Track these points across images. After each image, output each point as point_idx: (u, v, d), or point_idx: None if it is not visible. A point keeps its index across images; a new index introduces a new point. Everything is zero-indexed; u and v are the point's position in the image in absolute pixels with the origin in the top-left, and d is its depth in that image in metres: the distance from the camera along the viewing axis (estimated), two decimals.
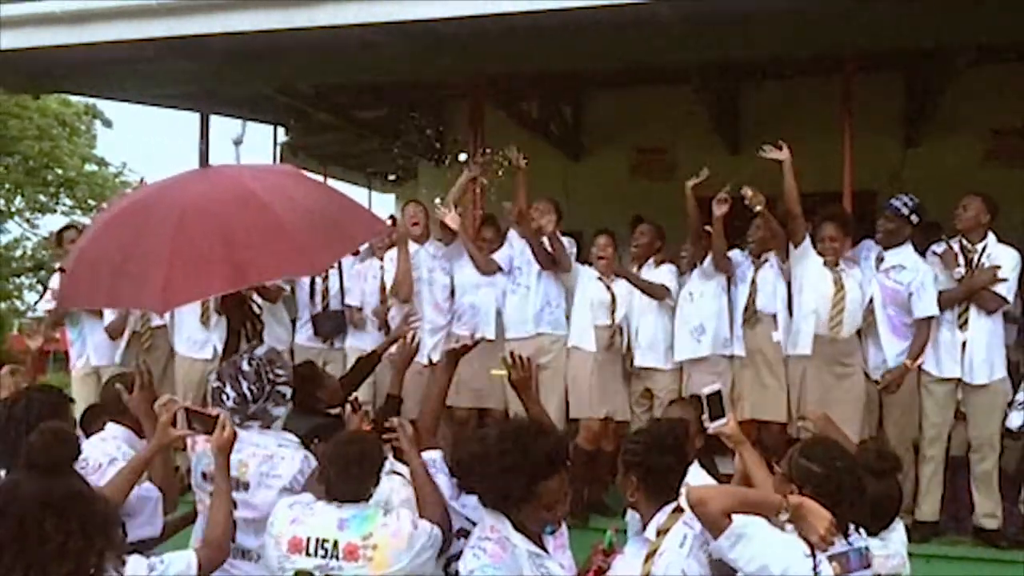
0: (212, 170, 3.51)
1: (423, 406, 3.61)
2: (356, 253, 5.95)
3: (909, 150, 7.99)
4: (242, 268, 3.10)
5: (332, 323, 5.93)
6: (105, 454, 3.37)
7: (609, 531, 3.18)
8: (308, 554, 2.81)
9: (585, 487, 5.43)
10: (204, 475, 3.35)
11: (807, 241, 5.14)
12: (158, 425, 3.11)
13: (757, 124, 7.97)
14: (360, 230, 3.88)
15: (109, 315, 6.06)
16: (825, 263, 5.11)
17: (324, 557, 2.80)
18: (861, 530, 2.70)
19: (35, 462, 2.18)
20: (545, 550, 2.71)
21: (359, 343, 5.86)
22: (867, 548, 2.67)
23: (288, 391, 3.40)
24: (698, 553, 2.66)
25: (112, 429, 3.53)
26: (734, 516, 2.50)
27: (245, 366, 3.32)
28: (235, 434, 2.99)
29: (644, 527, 2.77)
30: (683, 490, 2.74)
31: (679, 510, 2.73)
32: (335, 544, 2.80)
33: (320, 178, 10.75)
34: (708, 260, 5.35)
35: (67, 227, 6.83)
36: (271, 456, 3.20)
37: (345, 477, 2.91)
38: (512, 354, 3.41)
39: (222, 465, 2.93)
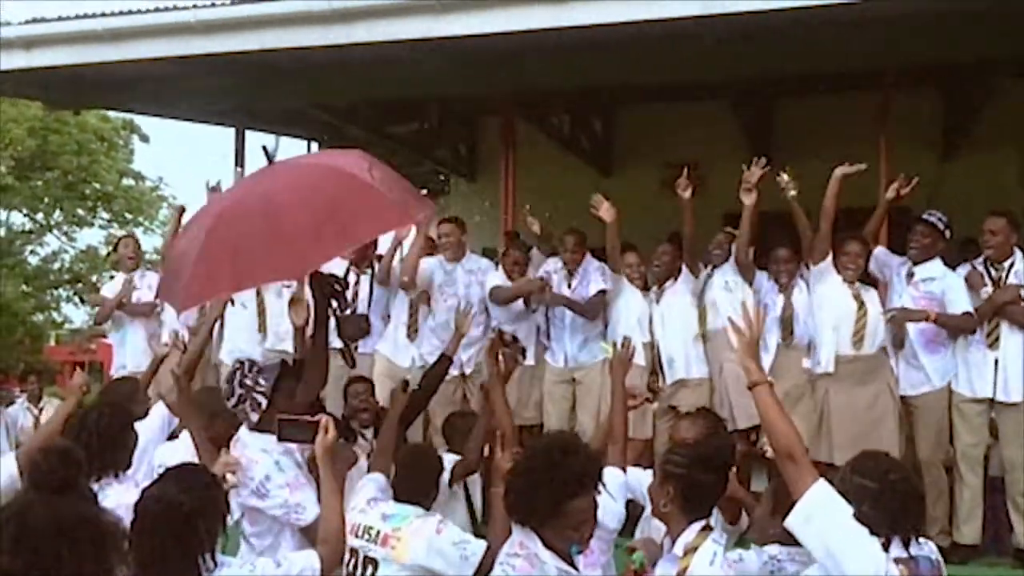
0: (266, 171, 3.90)
1: (500, 423, 3.96)
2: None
3: (946, 165, 7.89)
4: (241, 273, 3.34)
5: (354, 326, 5.81)
6: (180, 461, 3.47)
7: (639, 551, 3.15)
8: (357, 536, 3.38)
9: None
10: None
11: (828, 260, 5.09)
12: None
13: (790, 140, 7.91)
14: (392, 218, 3.70)
15: (149, 323, 6.45)
16: (844, 280, 5.06)
17: (368, 541, 3.38)
18: (923, 540, 2.61)
19: (41, 483, 2.19)
20: (575, 567, 2.68)
21: (382, 348, 5.89)
22: (938, 559, 2.60)
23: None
24: (727, 571, 2.63)
25: (187, 436, 3.77)
26: (812, 488, 2.48)
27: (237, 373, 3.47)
28: (335, 437, 3.07)
29: (673, 542, 2.74)
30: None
31: (708, 528, 2.70)
32: (377, 532, 3.41)
33: None
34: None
35: (125, 236, 7.80)
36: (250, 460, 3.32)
37: (406, 481, 3.57)
38: (626, 338, 4.11)
39: (327, 465, 3.00)
